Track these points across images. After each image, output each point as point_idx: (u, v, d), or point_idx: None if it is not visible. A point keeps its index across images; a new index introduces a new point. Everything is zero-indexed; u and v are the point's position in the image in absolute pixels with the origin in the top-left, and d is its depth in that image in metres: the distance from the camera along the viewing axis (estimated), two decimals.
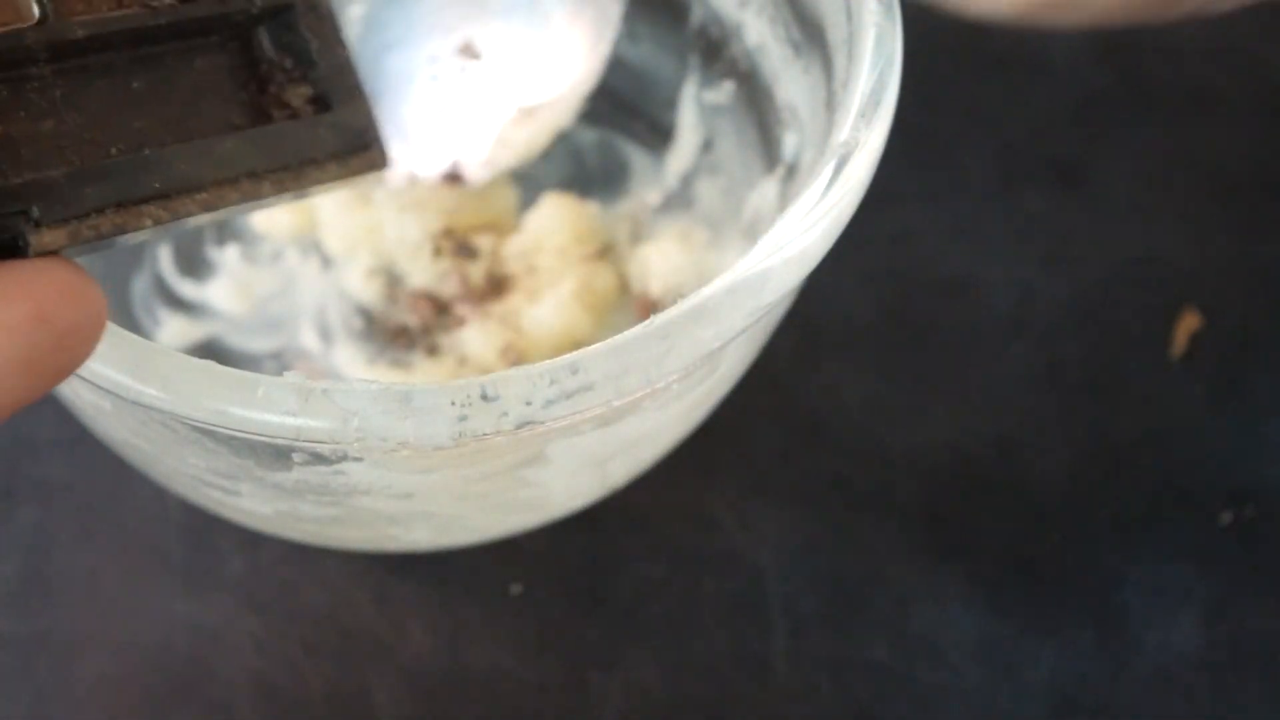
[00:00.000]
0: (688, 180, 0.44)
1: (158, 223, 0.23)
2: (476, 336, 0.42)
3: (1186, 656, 0.40)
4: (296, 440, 0.28)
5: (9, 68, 0.22)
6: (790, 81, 0.39)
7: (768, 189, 0.41)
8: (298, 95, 0.26)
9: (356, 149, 0.26)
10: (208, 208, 0.24)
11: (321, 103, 0.26)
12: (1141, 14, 0.21)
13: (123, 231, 0.23)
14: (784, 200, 0.40)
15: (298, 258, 0.44)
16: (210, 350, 0.42)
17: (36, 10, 0.22)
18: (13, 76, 0.22)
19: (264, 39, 0.26)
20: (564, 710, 0.39)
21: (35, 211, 0.22)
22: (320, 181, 0.26)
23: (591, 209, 0.44)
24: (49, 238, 0.22)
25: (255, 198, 0.25)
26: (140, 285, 0.43)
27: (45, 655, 0.39)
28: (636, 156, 0.45)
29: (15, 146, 0.22)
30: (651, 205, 0.44)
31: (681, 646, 0.40)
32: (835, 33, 0.35)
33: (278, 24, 0.26)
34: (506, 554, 0.41)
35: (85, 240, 0.22)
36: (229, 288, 0.43)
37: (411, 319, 0.42)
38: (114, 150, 0.23)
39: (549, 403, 0.28)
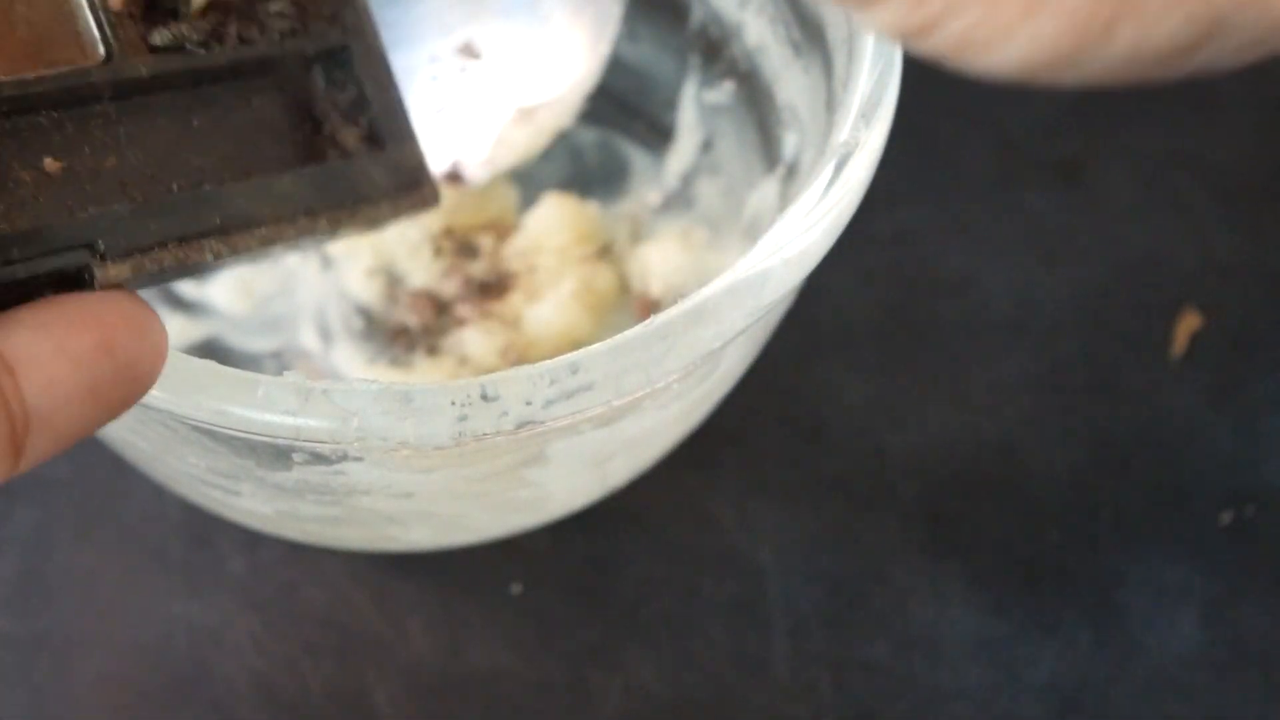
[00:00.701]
0: (688, 180, 0.44)
1: (217, 257, 0.24)
2: (476, 336, 0.42)
3: (1186, 656, 0.40)
4: (296, 440, 0.28)
5: (74, 105, 0.22)
6: (790, 81, 0.39)
7: (768, 189, 0.41)
8: (351, 134, 0.27)
9: (409, 187, 0.27)
10: (265, 243, 0.25)
11: (374, 142, 0.26)
12: (1145, 73, 0.21)
13: (183, 266, 0.23)
14: (784, 200, 0.40)
15: (298, 258, 0.44)
16: (210, 350, 0.42)
17: (102, 50, 0.23)
18: (77, 113, 0.22)
19: (319, 79, 0.26)
20: (564, 710, 0.39)
21: (101, 245, 0.22)
22: (374, 219, 0.26)
23: (591, 209, 0.44)
24: (114, 271, 0.22)
25: (311, 234, 0.25)
26: None
27: (45, 655, 0.39)
28: (636, 156, 0.45)
29: (80, 182, 0.22)
30: (651, 205, 0.44)
31: (681, 646, 0.40)
32: (835, 33, 0.35)
33: (332, 65, 0.26)
34: (506, 554, 0.41)
35: (148, 273, 0.23)
36: (229, 288, 0.43)
37: (411, 319, 0.42)
38: (174, 186, 0.23)
39: (549, 403, 0.28)
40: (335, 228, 0.26)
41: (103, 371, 0.21)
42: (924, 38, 0.21)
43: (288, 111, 0.26)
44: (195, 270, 0.24)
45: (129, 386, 0.21)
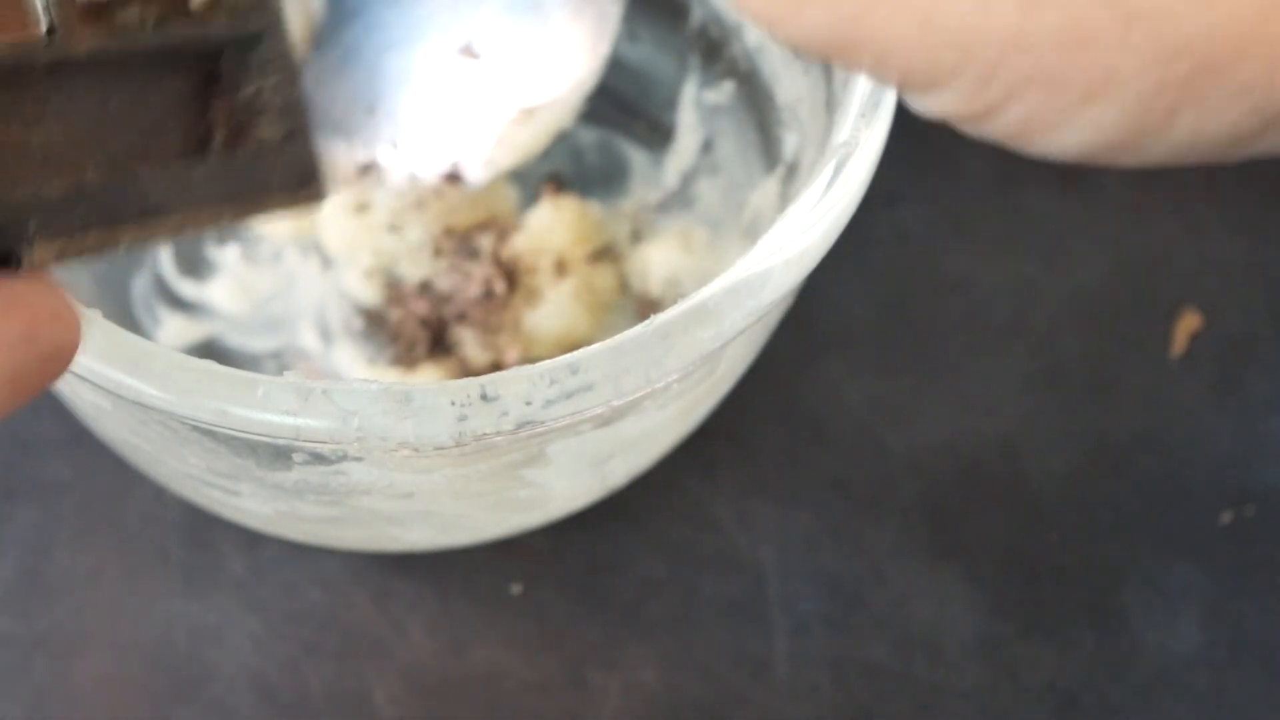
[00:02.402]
0: (688, 180, 0.44)
1: (132, 243, 0.24)
2: (476, 337, 0.42)
3: (1186, 656, 0.40)
4: (296, 440, 0.28)
5: (12, 77, 0.22)
6: (790, 81, 0.39)
7: (768, 189, 0.41)
8: (258, 125, 0.27)
9: (305, 181, 0.27)
10: (176, 230, 0.25)
11: (278, 133, 0.26)
12: (1205, 158, 0.21)
13: (101, 251, 0.24)
14: (784, 200, 0.40)
15: (298, 258, 0.44)
16: (210, 350, 0.42)
17: (45, 25, 0.23)
18: (13, 86, 0.22)
19: (231, 66, 0.26)
20: (564, 710, 0.39)
21: (31, 227, 0.22)
22: (271, 210, 0.27)
23: (591, 209, 0.44)
24: (40, 254, 0.22)
25: (216, 223, 0.26)
26: (140, 285, 0.43)
27: (45, 655, 0.39)
28: (636, 156, 0.45)
29: (9, 155, 0.22)
30: (651, 205, 0.44)
31: (681, 646, 0.40)
32: None
33: (244, 53, 0.26)
34: (506, 554, 0.41)
35: (69, 257, 0.23)
36: (229, 288, 0.43)
37: (411, 319, 0.42)
38: (90, 166, 0.24)
39: (549, 403, 0.28)
40: (238, 217, 0.26)
41: (25, 360, 0.21)
42: (984, 123, 0.21)
43: (199, 97, 0.26)
44: (107, 254, 0.24)
45: (45, 375, 0.22)
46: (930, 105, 0.21)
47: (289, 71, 0.27)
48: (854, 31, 0.20)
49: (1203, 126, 0.20)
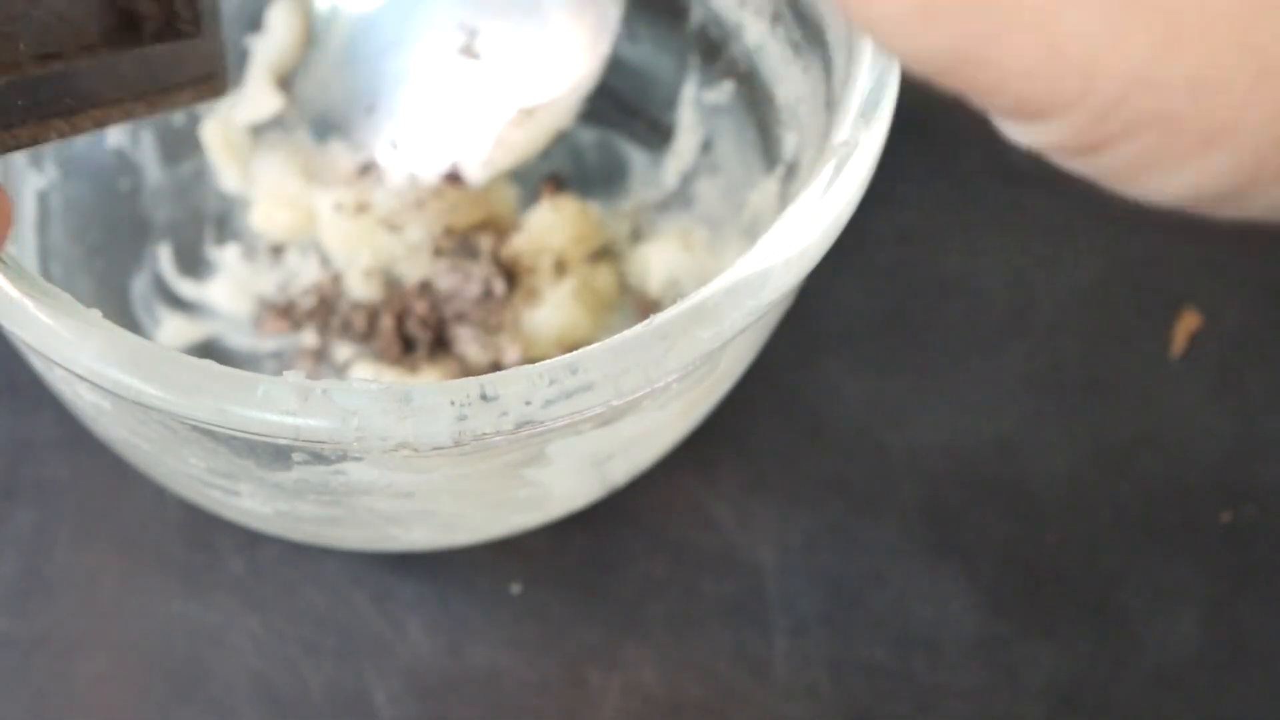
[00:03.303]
0: (688, 180, 0.44)
1: (60, 136, 0.24)
2: (477, 336, 0.42)
3: (1186, 656, 0.40)
4: (296, 440, 0.28)
5: None
6: (790, 81, 0.39)
7: (768, 189, 0.41)
8: (178, 17, 0.27)
9: (210, 76, 0.27)
10: (99, 124, 0.25)
11: (193, 27, 0.26)
12: None
13: (34, 143, 0.24)
14: (784, 200, 0.40)
15: (298, 258, 0.44)
16: (210, 350, 0.42)
17: None
18: None
19: None
20: (564, 710, 0.39)
21: None
22: (178, 105, 0.27)
23: (591, 209, 0.44)
24: None
25: (132, 116, 0.26)
26: (140, 285, 0.43)
27: (45, 655, 0.39)
28: (636, 156, 0.45)
29: None
30: (651, 205, 0.44)
31: (681, 646, 0.40)
32: (835, 33, 0.35)
33: None
34: (506, 554, 0.41)
35: (5, 149, 0.23)
36: (229, 288, 0.43)
37: (411, 319, 0.42)
38: (26, 57, 0.23)
39: (549, 403, 0.28)
40: (151, 110, 0.26)
41: None
42: (1090, 158, 0.21)
43: None
44: (33, 146, 0.24)
45: None
46: (1038, 135, 0.21)
47: None
48: (980, 51, 0.19)
49: None
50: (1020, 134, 0.21)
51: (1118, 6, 0.18)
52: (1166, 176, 0.20)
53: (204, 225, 0.44)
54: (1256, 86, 0.18)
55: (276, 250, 0.44)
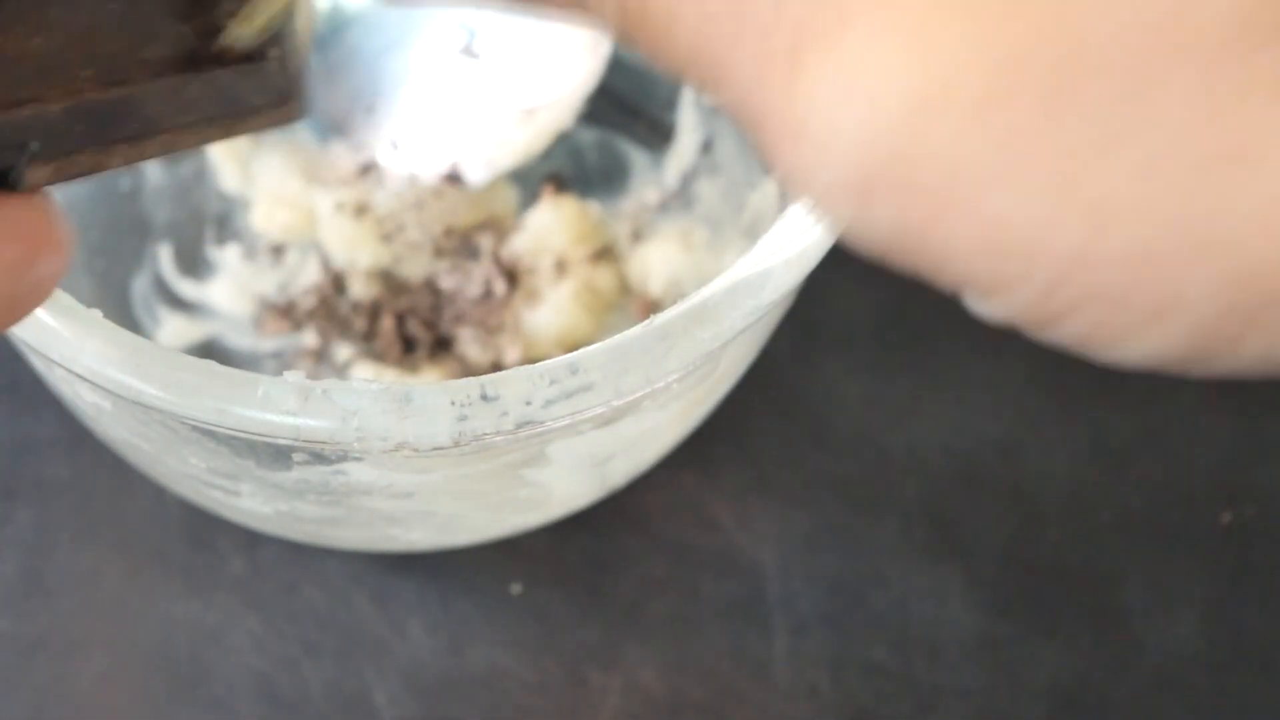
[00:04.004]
0: (688, 180, 0.44)
1: (125, 162, 0.24)
2: (477, 336, 0.42)
3: (1186, 656, 0.40)
4: (297, 440, 0.28)
5: None
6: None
7: (768, 189, 0.41)
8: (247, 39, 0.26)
9: (287, 99, 0.26)
10: (164, 150, 0.24)
11: (264, 49, 0.26)
12: (1277, 373, 0.21)
13: (95, 170, 0.23)
14: (784, 200, 0.40)
15: (298, 258, 0.44)
16: (210, 350, 0.42)
17: None
18: None
19: None
20: (564, 710, 0.39)
21: (34, 146, 0.22)
22: (251, 129, 0.26)
23: (591, 209, 0.44)
24: (39, 174, 0.22)
25: (205, 141, 0.25)
26: (140, 285, 0.43)
27: (45, 655, 0.39)
28: (636, 156, 0.45)
29: (13, 71, 0.22)
30: (651, 205, 0.44)
31: (681, 646, 0.40)
32: None
33: None
34: (506, 554, 0.41)
35: (65, 178, 0.23)
36: (229, 288, 0.43)
37: (412, 320, 0.42)
38: (87, 80, 0.23)
39: (549, 403, 0.28)
40: (224, 135, 0.26)
41: (21, 286, 0.21)
42: (1047, 331, 0.21)
43: (191, 5, 0.25)
44: (97, 174, 0.24)
45: (34, 301, 0.21)
46: (992, 311, 0.21)
47: None
48: (921, 231, 0.20)
49: (1273, 351, 0.20)
50: (980, 309, 0.22)
51: (1049, 189, 0.19)
52: (1125, 348, 0.21)
53: (204, 225, 0.44)
54: (1194, 261, 0.19)
55: (277, 250, 0.44)
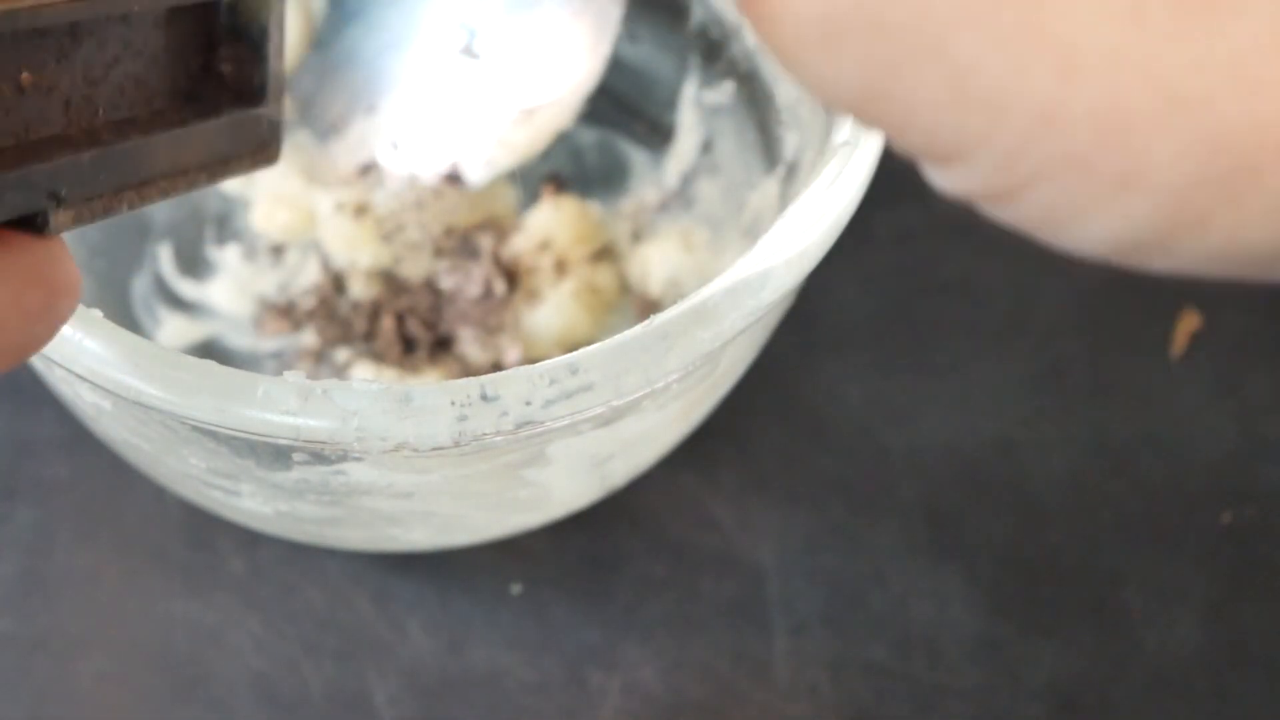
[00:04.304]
0: (688, 180, 0.44)
1: (130, 208, 0.24)
2: (477, 336, 0.42)
3: (1186, 656, 0.40)
4: (297, 440, 0.28)
5: (35, 37, 0.22)
6: (791, 82, 0.39)
7: (768, 189, 0.41)
8: (244, 85, 0.27)
9: (267, 144, 0.27)
10: (165, 195, 0.25)
11: (253, 92, 0.26)
12: (1243, 272, 0.20)
13: (106, 215, 0.24)
14: (784, 200, 0.40)
15: (298, 258, 0.44)
16: (210, 350, 0.42)
17: None
18: (37, 49, 0.22)
19: (229, 22, 0.26)
20: (564, 710, 0.39)
21: (63, 192, 0.22)
22: (235, 173, 0.27)
23: (591, 209, 0.44)
24: (63, 219, 0.22)
25: (196, 186, 0.26)
26: (140, 285, 0.43)
27: (45, 655, 0.39)
28: (636, 156, 0.45)
29: (37, 104, 0.22)
30: (651, 205, 0.44)
31: (681, 646, 0.40)
32: None
33: (243, 13, 0.26)
34: (506, 554, 0.41)
35: (82, 223, 0.23)
36: (229, 288, 0.43)
37: (412, 320, 0.42)
38: (104, 128, 0.23)
39: (549, 403, 0.28)
40: (213, 180, 0.26)
41: (40, 329, 0.21)
42: (1008, 204, 0.20)
43: (194, 47, 0.26)
44: (105, 218, 0.24)
45: (44, 342, 0.21)
46: (954, 180, 0.20)
47: (277, 22, 0.27)
48: (886, 82, 0.19)
49: (1239, 232, 0.19)
50: (940, 180, 0.20)
51: (1018, 32, 0.18)
52: (1087, 225, 0.19)
53: (204, 225, 0.44)
54: (1164, 122, 0.18)
55: (277, 250, 0.44)
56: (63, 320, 0.22)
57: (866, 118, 0.20)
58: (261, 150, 0.27)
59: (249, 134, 0.27)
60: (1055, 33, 0.18)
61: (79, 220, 0.23)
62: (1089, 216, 0.19)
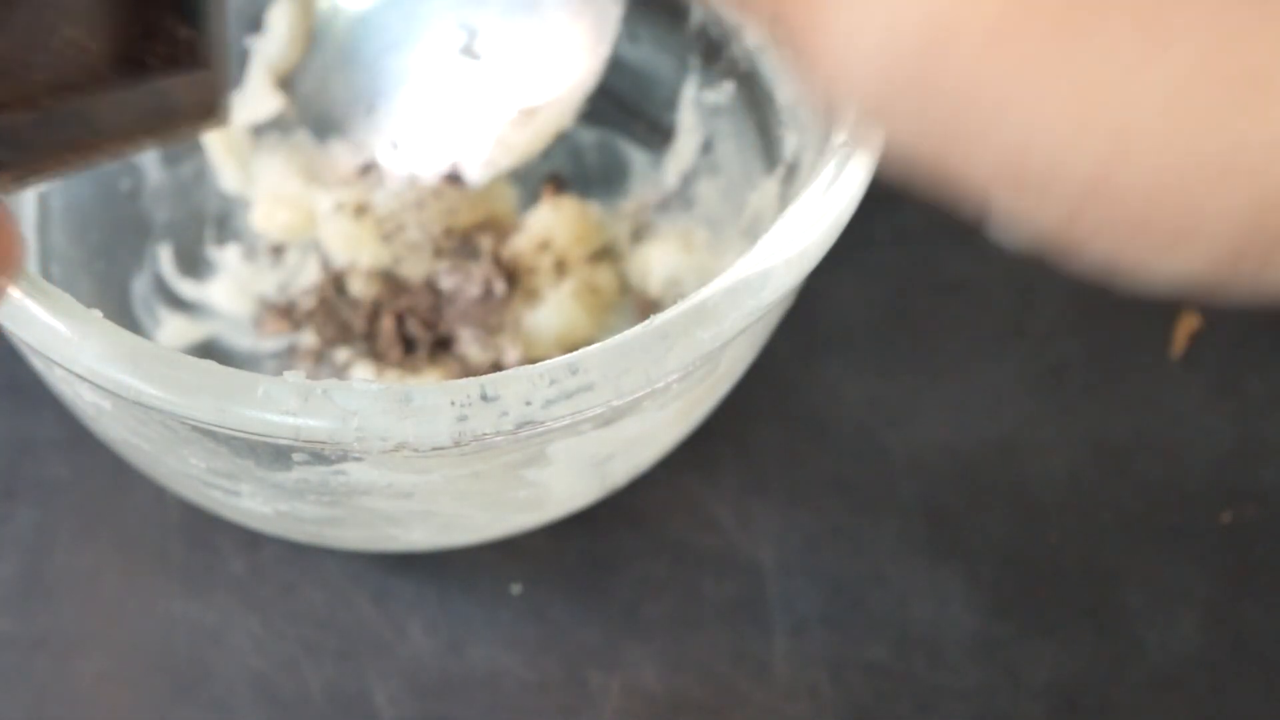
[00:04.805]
0: (688, 180, 0.44)
1: (71, 170, 0.24)
2: (477, 336, 0.42)
3: (1186, 656, 0.40)
4: (297, 440, 0.28)
5: None
6: (790, 82, 0.39)
7: (768, 189, 0.41)
8: (179, 40, 0.27)
9: (213, 107, 0.27)
10: (110, 157, 0.25)
11: (195, 55, 0.26)
12: None
13: (47, 177, 0.24)
14: (784, 200, 0.40)
15: (298, 258, 0.44)
16: (210, 350, 0.42)
17: None
18: None
19: None
20: (564, 710, 0.39)
21: (4, 153, 0.22)
22: (182, 137, 0.27)
23: (591, 209, 0.44)
24: (3, 181, 0.22)
25: (141, 149, 0.26)
26: (140, 285, 0.43)
27: (45, 655, 0.39)
28: (636, 156, 0.45)
29: None
30: (651, 205, 0.44)
31: (681, 646, 0.40)
32: None
33: None
34: (506, 554, 0.41)
35: (23, 185, 0.23)
36: (229, 288, 0.43)
37: (412, 320, 0.42)
38: (42, 89, 0.23)
39: (549, 403, 0.28)
40: (159, 142, 0.26)
41: None
42: (1073, 254, 0.21)
43: (134, 11, 0.26)
44: (49, 180, 0.24)
45: None
46: (1014, 238, 0.21)
47: None
48: (940, 161, 0.20)
49: None
50: (1003, 236, 0.21)
51: (1066, 114, 0.18)
52: (1149, 271, 0.20)
53: (204, 225, 0.44)
54: (1214, 189, 0.18)
55: (277, 250, 0.44)
56: (4, 285, 0.21)
57: (925, 188, 0.21)
58: (210, 113, 0.27)
59: (194, 96, 0.26)
60: (1104, 115, 0.18)
61: (19, 181, 0.23)
62: (1151, 266, 0.20)
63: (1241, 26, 0.18)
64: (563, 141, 0.43)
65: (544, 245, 0.43)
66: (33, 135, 0.23)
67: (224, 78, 0.27)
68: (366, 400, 0.27)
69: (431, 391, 0.28)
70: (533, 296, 0.42)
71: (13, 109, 0.23)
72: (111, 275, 0.43)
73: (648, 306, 0.43)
